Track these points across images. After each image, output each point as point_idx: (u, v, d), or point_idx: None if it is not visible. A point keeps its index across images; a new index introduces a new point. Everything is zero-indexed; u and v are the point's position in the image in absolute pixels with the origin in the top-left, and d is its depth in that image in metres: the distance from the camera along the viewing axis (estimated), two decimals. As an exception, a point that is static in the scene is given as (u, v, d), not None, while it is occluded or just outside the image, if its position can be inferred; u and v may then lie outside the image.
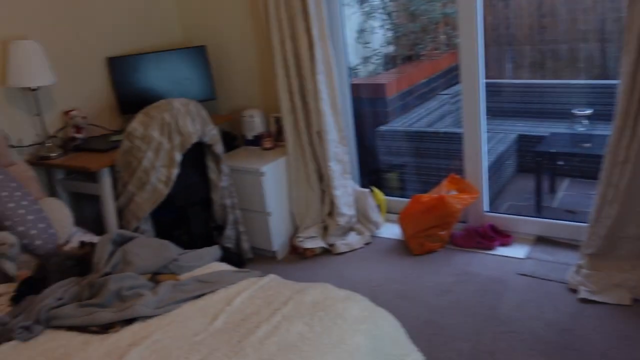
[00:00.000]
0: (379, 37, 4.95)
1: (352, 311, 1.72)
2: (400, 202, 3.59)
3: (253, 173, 3.16)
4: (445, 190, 3.17)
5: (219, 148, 2.90)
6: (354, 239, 3.36)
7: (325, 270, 3.14)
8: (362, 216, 3.45)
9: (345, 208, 3.32)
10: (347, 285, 2.91)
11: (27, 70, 2.71)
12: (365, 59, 4.91)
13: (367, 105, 4.19)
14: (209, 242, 3.18)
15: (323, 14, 3.02)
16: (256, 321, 1.72)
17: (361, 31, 4.83)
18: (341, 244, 3.31)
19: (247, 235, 3.29)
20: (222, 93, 3.74)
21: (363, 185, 3.58)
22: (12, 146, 2.85)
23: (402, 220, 3.28)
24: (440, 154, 4.03)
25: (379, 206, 3.50)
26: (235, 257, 3.16)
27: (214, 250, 2.24)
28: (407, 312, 2.65)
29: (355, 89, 3.74)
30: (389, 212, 3.62)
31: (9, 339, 1.76)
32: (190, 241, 3.06)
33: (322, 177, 3.34)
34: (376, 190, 3.54)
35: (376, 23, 4.90)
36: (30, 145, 2.94)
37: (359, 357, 1.55)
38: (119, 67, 3.26)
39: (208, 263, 2.18)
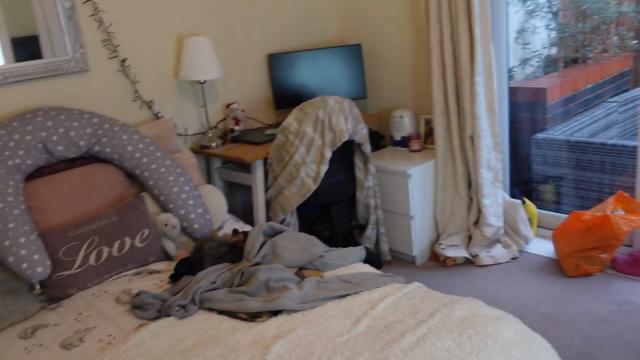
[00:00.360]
0: (541, 38, 4.62)
1: (505, 333, 1.60)
2: (554, 217, 3.32)
3: (399, 174, 3.10)
4: (611, 209, 2.87)
5: (367, 147, 2.89)
6: (499, 252, 3.17)
7: (467, 282, 3.00)
8: (511, 228, 3.24)
9: (494, 218, 3.14)
10: (490, 301, 2.77)
11: (198, 65, 2.90)
12: (524, 61, 4.61)
13: (524, 110, 3.93)
14: (349, 240, 3.19)
15: (487, 13, 2.87)
16: (400, 330, 1.67)
17: (521, 31, 4.55)
18: (485, 256, 3.14)
19: (388, 237, 3.26)
20: (373, 92, 3.72)
21: (513, 196, 3.36)
22: (179, 134, 3.08)
23: (557, 238, 3.03)
24: (605, 168, 3.66)
25: (530, 219, 3.27)
26: (373, 258, 3.14)
27: (359, 251, 2.23)
28: (557, 338, 2.43)
29: (512, 92, 3.52)
30: (540, 226, 3.37)
31: (167, 315, 1.89)
32: (332, 238, 3.10)
33: (471, 184, 3.19)
34: (528, 202, 3.31)
35: (539, 23, 4.58)
36: (194, 134, 3.16)
37: (511, 385, 1.44)
38: (278, 64, 3.38)
39: (352, 263, 2.17)
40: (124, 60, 2.81)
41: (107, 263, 2.23)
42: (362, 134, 2.84)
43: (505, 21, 3.13)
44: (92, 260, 2.20)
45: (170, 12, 2.97)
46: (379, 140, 3.61)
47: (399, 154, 3.35)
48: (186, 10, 3.04)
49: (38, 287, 2.09)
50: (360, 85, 3.49)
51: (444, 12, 2.95)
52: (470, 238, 3.23)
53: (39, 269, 2.05)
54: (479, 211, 3.16)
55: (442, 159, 3.20)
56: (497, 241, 3.21)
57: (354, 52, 3.45)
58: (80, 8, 2.62)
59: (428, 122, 3.38)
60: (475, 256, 3.16)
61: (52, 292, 2.13)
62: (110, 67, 2.78)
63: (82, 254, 2.18)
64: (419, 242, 3.23)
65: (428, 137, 3.39)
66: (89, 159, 2.51)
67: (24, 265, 2.02)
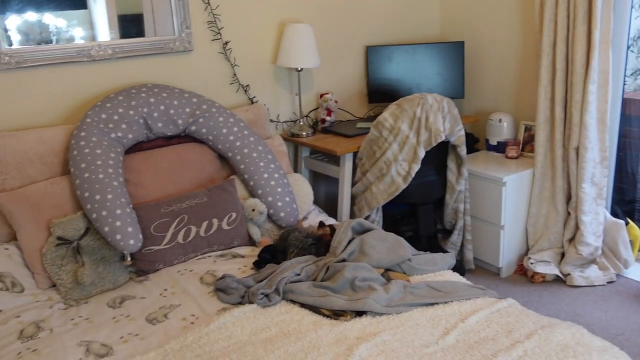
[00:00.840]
0: (658, 47, 4.25)
1: (612, 368, 1.46)
2: (661, 242, 3.05)
3: (493, 181, 2.95)
4: None
5: (463, 150, 2.76)
6: (594, 274, 2.95)
7: (555, 301, 2.82)
8: (610, 250, 3.01)
9: (592, 237, 2.92)
10: (582, 325, 2.58)
11: (296, 52, 2.87)
12: (637, 71, 4.27)
13: (635, 124, 3.64)
14: (433, 243, 3.09)
15: (610, 16, 2.64)
16: (493, 349, 1.56)
17: (637, 38, 4.22)
18: (578, 276, 2.94)
19: (473, 245, 3.12)
20: (471, 92, 3.57)
21: (615, 215, 3.11)
22: (271, 120, 3.08)
23: (663, 266, 2.78)
24: None
25: (631, 242, 3.02)
26: (456, 265, 3.01)
27: (449, 258, 2.13)
28: (658, 376, 2.23)
29: (624, 103, 3.26)
30: (642, 251, 3.12)
31: (250, 302, 1.87)
32: (415, 239, 3.00)
33: (570, 198, 2.99)
34: (632, 223, 3.06)
35: (658, 30, 4.22)
36: (285, 121, 3.15)
37: None
38: (375, 56, 3.30)
39: (441, 270, 2.08)
40: (226, 43, 2.83)
41: (194, 242, 2.26)
42: (459, 136, 2.71)
43: (628, 27, 2.88)
44: (180, 238, 2.23)
45: (273, -2, 2.97)
46: (473, 143, 3.46)
47: (493, 160, 3.19)
48: (289, -3, 3.02)
49: (129, 258, 2.14)
50: (458, 85, 3.35)
51: (560, 12, 2.75)
52: (562, 255, 3.03)
53: (132, 242, 2.10)
54: (577, 228, 2.96)
55: (541, 168, 3.01)
56: (593, 262, 3.00)
57: (455, 50, 3.31)
58: (189, -11, 2.67)
59: (528, 129, 3.20)
60: (567, 275, 2.96)
61: (141, 265, 2.19)
62: (213, 49, 2.81)
63: (171, 230, 2.22)
64: (506, 254, 3.07)
65: (526, 144, 3.21)
66: (184, 137, 2.55)
67: (118, 237, 2.08)
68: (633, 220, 3.10)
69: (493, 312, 1.76)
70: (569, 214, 3.01)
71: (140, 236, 2.14)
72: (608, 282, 2.95)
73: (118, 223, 2.09)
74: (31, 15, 2.34)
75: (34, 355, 1.68)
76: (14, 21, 2.31)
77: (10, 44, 2.30)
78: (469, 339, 1.63)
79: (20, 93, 2.36)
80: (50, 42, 2.39)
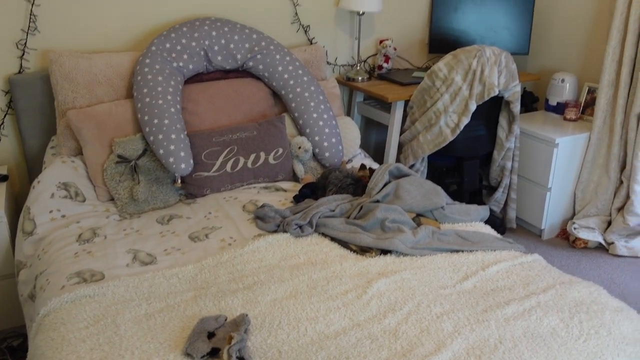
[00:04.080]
0: None
1: (622, 327, 1.49)
2: None
3: (546, 142, 2.90)
4: None
5: (516, 107, 2.72)
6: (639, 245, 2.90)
7: (594, 268, 2.80)
8: (661, 224, 2.93)
9: (643, 209, 2.85)
10: (617, 294, 2.58)
11: (358, -5, 2.88)
12: None
13: None
14: (476, 199, 3.10)
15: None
16: (507, 297, 1.62)
17: None
18: (622, 246, 2.89)
19: (517, 205, 3.11)
20: (537, 49, 3.45)
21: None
22: (328, 63, 3.12)
23: None
24: None
25: (686, 218, 2.92)
26: (497, 222, 3.03)
27: (482, 210, 2.16)
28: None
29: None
30: (697, 228, 3.01)
31: (285, 231, 1.99)
32: (458, 193, 3.02)
33: (625, 167, 2.91)
34: (690, 199, 2.94)
35: None
36: (342, 65, 3.19)
37: (614, 381, 1.35)
38: (441, 5, 3.24)
39: (473, 221, 2.11)
40: (289, -18, 2.87)
41: (240, 172, 2.39)
42: (513, 92, 2.67)
43: None
44: (228, 167, 2.36)
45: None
46: (531, 102, 3.39)
47: (550, 120, 3.12)
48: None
49: (179, 181, 2.30)
50: (524, 40, 3.25)
51: (639, -31, 2.61)
52: (609, 224, 2.98)
53: (183, 165, 2.25)
54: (627, 197, 2.88)
55: (598, 133, 2.93)
56: (640, 234, 2.93)
57: (525, 3, 3.20)
58: None
59: (591, 91, 3.09)
60: (610, 244, 2.92)
61: (191, 189, 2.34)
62: (276, -13, 2.86)
63: (220, 159, 2.35)
64: (550, 216, 3.05)
65: (587, 107, 3.11)
66: (242, 72, 2.65)
67: (171, 159, 2.23)
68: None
69: (515, 265, 1.80)
70: (621, 182, 2.94)
71: (192, 161, 2.28)
72: (654, 256, 2.89)
73: (172, 147, 2.24)
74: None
75: (88, 256, 1.88)
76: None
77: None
78: (486, 286, 1.69)
79: (94, 17, 2.51)
80: (123, -30, 2.51)
